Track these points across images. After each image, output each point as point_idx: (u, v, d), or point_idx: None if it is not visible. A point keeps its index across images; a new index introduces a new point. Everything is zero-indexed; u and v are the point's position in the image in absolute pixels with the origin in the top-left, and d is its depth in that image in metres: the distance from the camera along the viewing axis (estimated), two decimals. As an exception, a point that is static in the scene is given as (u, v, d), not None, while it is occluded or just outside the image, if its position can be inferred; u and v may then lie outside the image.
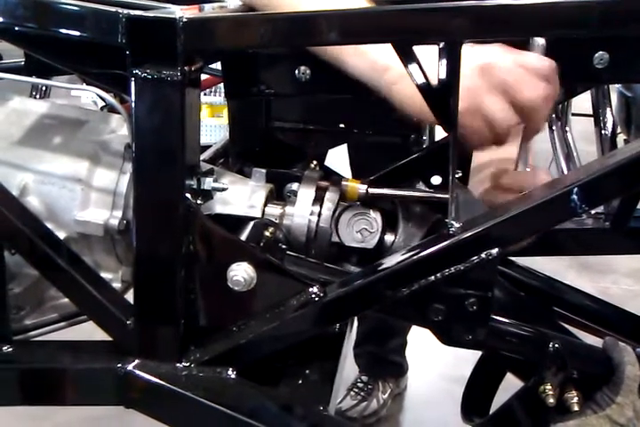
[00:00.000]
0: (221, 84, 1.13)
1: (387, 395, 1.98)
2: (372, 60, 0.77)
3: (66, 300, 0.84)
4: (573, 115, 1.79)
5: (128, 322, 0.75)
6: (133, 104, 0.69)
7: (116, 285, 0.86)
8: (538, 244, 0.82)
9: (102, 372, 0.76)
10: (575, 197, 0.64)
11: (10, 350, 0.79)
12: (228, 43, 0.70)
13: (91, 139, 0.85)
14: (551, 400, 0.70)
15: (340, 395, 1.95)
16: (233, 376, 0.73)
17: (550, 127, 1.23)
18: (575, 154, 1.21)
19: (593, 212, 0.94)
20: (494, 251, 0.65)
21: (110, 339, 0.78)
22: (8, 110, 0.88)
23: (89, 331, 0.83)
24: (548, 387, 0.70)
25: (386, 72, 0.77)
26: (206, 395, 0.70)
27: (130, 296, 0.79)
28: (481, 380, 0.83)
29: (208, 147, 1.05)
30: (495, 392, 0.83)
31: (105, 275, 0.85)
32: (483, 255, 0.65)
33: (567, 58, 0.77)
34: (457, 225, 0.68)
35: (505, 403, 0.76)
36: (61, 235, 0.82)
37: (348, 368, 1.97)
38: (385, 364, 2.01)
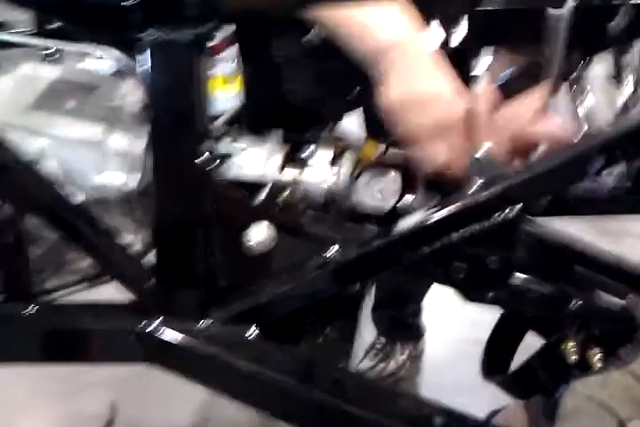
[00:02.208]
0: (233, 52, 1.11)
1: (405, 356, 1.99)
2: (374, 45, 0.74)
3: (86, 262, 0.85)
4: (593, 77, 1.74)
5: (149, 282, 0.76)
6: (146, 66, 0.68)
7: (136, 247, 0.86)
8: (556, 204, 0.81)
9: (125, 331, 0.77)
10: (597, 154, 0.63)
11: (34, 311, 0.80)
12: (240, 3, 0.69)
13: (105, 102, 0.85)
14: (573, 358, 0.70)
15: (359, 358, 1.96)
16: (254, 334, 0.73)
17: (570, 87, 1.20)
18: (595, 115, 1.19)
19: (614, 171, 0.92)
20: (516, 207, 0.65)
21: (131, 300, 0.79)
22: (21, 76, 0.88)
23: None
24: (570, 344, 0.70)
25: (384, 57, 0.74)
26: (227, 352, 0.71)
27: (151, 257, 0.79)
28: (501, 338, 0.83)
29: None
30: (516, 350, 0.83)
31: (124, 237, 0.85)
32: (505, 212, 0.65)
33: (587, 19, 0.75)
34: (479, 182, 0.67)
35: (526, 360, 0.76)
36: (80, 198, 0.83)
37: (366, 332, 1.98)
38: (403, 327, 2.01)
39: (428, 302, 2.01)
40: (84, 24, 0.78)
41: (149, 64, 0.68)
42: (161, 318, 0.74)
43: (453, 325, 2.16)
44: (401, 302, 1.96)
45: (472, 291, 0.68)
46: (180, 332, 0.73)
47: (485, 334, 0.86)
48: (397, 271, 0.71)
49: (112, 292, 0.82)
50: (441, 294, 0.71)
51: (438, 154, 0.73)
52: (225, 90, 0.87)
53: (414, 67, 0.72)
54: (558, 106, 0.86)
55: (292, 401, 0.69)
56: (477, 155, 0.69)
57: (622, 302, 0.73)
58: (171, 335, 0.73)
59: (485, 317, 0.83)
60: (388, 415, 0.64)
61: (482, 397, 0.95)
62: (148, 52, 0.68)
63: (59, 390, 1.68)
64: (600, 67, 0.98)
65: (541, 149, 0.78)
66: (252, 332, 0.73)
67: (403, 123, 0.73)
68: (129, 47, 0.74)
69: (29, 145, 0.82)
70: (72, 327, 0.79)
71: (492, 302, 0.69)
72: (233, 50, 0.91)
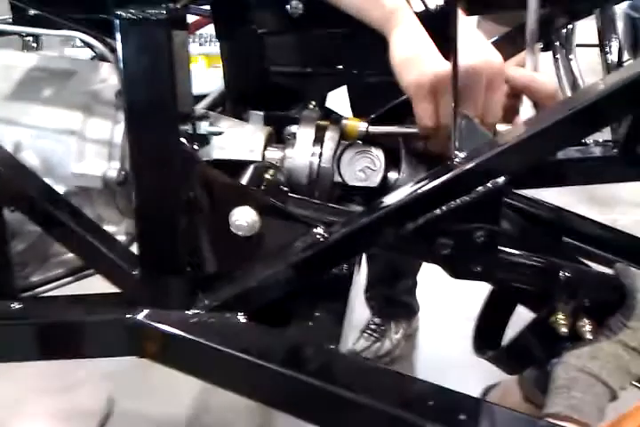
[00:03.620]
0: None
1: (399, 335, 2.00)
2: (379, 11, 0.76)
3: (71, 255, 0.84)
4: (578, 46, 1.74)
5: (134, 273, 0.75)
6: (120, 47, 0.66)
7: (120, 237, 0.85)
8: (544, 175, 0.80)
9: (113, 323, 0.75)
10: (582, 118, 0.62)
11: (19, 306, 0.79)
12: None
13: (82, 89, 0.83)
14: (563, 330, 0.69)
15: (354, 338, 1.97)
16: (243, 320, 0.72)
17: (554, 56, 1.19)
18: (581, 82, 1.18)
19: (600, 140, 0.91)
20: (500, 180, 0.64)
21: (118, 292, 0.78)
22: (-3, 66, 0.86)
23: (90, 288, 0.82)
24: (560, 316, 0.69)
25: (388, 21, 0.76)
26: (218, 340, 0.70)
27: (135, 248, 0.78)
28: (491, 313, 0.82)
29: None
30: (506, 325, 0.82)
31: (108, 228, 0.84)
32: (489, 185, 0.64)
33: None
34: (461, 155, 0.66)
35: (517, 334, 0.75)
36: (60, 189, 0.81)
37: (360, 313, 1.99)
38: (396, 305, 2.02)
39: (423, 279, 2.01)
40: (59, 9, 0.76)
41: (123, 44, 0.66)
42: (148, 309, 0.73)
43: (449, 301, 2.16)
44: (393, 280, 1.97)
45: (458, 267, 0.67)
46: (168, 322, 0.72)
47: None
48: (382, 250, 0.70)
49: (99, 284, 0.81)
50: (434, 270, 0.70)
51: (434, 112, 0.75)
52: (208, 72, 0.86)
53: (412, 29, 0.76)
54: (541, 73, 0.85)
55: (282, 388, 0.68)
56: (460, 123, 0.69)
57: (610, 271, 0.72)
58: (158, 326, 0.72)
59: (481, 292, 0.83)
60: (380, 397, 0.63)
61: (477, 373, 0.96)
62: (121, 31, 0.66)
63: (53, 386, 1.67)
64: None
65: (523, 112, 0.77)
66: (241, 318, 0.72)
67: (406, 81, 0.76)
68: (104, 30, 0.72)
69: (6, 136, 0.80)
70: (57, 321, 0.77)
71: (480, 277, 0.68)
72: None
